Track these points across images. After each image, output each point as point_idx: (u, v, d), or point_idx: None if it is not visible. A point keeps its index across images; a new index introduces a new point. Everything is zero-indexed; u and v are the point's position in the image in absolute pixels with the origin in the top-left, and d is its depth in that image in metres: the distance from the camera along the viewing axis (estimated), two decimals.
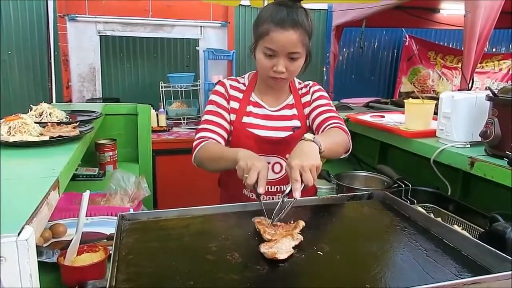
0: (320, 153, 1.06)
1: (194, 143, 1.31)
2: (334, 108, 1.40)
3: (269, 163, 1.36)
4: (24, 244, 0.57)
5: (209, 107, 1.39)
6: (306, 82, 1.45)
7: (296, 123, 1.38)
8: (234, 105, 1.38)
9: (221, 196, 1.55)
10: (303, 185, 0.97)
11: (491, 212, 1.17)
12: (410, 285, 0.73)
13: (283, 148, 1.35)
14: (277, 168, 1.38)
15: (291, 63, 1.24)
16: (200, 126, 1.36)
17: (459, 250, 0.87)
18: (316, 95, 1.41)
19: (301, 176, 0.98)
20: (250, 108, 1.38)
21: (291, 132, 1.36)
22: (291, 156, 1.03)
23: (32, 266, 0.59)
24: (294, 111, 1.40)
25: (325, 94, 1.43)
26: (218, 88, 1.41)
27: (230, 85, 1.41)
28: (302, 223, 0.95)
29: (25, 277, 0.58)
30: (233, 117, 1.37)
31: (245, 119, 1.37)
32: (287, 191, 1.00)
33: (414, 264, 0.82)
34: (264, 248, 0.84)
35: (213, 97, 1.40)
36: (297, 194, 0.96)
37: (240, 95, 1.40)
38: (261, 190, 1.00)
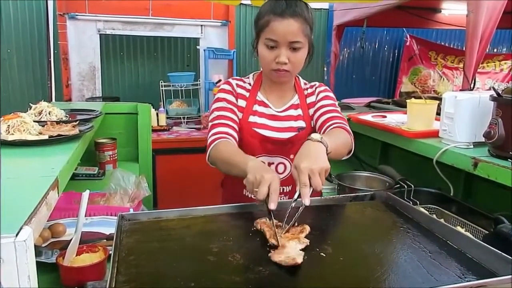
0: (327, 154, 1.02)
1: (209, 140, 1.27)
2: (338, 109, 1.38)
3: (273, 163, 1.36)
4: (22, 245, 0.56)
5: (219, 104, 1.34)
6: (313, 83, 1.44)
7: (301, 123, 1.37)
8: (241, 103, 1.37)
9: (223, 196, 1.54)
10: (311, 189, 0.93)
11: (494, 213, 1.16)
12: None
13: (287, 148, 1.34)
14: (281, 168, 1.37)
15: (293, 53, 1.23)
16: (212, 122, 1.31)
17: (463, 252, 0.86)
18: (321, 95, 1.39)
19: (309, 179, 0.94)
20: (256, 107, 1.37)
21: (296, 133, 1.35)
22: (298, 158, 0.98)
23: (30, 267, 0.58)
24: (299, 112, 1.38)
25: (331, 94, 1.41)
26: (225, 86, 1.39)
27: (237, 84, 1.39)
28: (308, 228, 0.93)
29: (23, 278, 0.57)
30: (240, 115, 1.36)
31: (251, 118, 1.35)
32: (296, 196, 0.95)
33: (418, 266, 0.80)
34: (278, 258, 0.80)
35: (221, 95, 1.37)
36: (306, 201, 0.91)
37: (247, 94, 1.38)
38: (272, 206, 0.93)
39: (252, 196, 1.35)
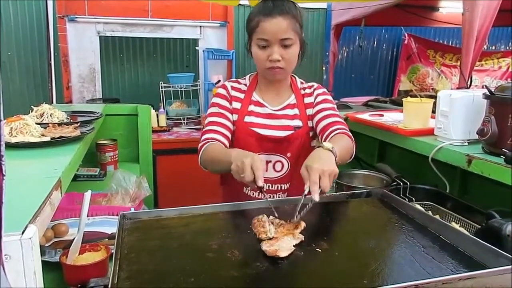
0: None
1: (199, 146, 1.33)
2: (338, 113, 1.41)
3: (270, 161, 1.38)
4: (28, 243, 0.59)
5: (212, 109, 1.40)
6: (310, 84, 1.46)
7: (297, 122, 1.39)
8: (236, 105, 1.40)
9: (223, 195, 1.56)
10: (319, 190, 0.97)
11: (488, 209, 1.18)
12: (407, 281, 0.74)
13: (284, 146, 1.37)
14: (278, 166, 1.39)
15: (285, 50, 1.27)
16: (204, 128, 1.38)
17: (455, 246, 0.88)
18: (320, 98, 1.42)
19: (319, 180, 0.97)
20: (251, 107, 1.40)
21: (292, 131, 1.37)
22: (310, 160, 1.02)
23: (36, 264, 0.60)
24: (295, 111, 1.41)
25: (330, 97, 1.44)
26: (220, 90, 1.43)
27: (232, 87, 1.43)
28: (303, 224, 0.95)
29: (29, 275, 0.60)
30: (235, 117, 1.39)
31: (247, 119, 1.38)
32: (306, 191, 0.98)
33: (411, 260, 0.83)
34: (265, 246, 0.85)
35: (215, 99, 1.42)
36: (316, 197, 0.95)
37: (242, 95, 1.42)
38: (259, 182, 0.98)
39: (249, 193, 1.39)
